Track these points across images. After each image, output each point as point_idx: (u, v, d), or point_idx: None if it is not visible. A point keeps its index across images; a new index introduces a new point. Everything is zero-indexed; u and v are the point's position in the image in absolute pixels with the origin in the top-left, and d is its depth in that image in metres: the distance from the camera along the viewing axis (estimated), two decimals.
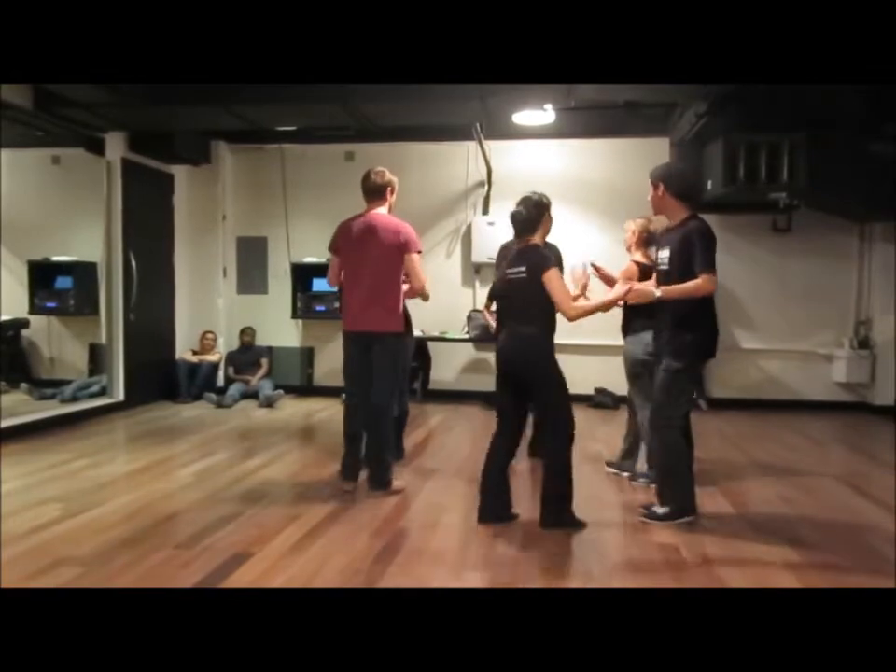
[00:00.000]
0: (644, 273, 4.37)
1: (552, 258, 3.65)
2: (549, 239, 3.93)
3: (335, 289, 4.89)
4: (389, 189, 4.29)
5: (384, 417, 4.25)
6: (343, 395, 4.47)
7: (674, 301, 3.62)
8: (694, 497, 3.76)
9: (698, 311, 3.63)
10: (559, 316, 3.67)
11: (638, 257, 4.57)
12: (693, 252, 3.59)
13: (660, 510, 3.74)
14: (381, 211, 4.27)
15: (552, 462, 3.67)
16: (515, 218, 3.73)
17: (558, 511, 3.65)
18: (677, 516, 3.69)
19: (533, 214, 3.69)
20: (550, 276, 3.55)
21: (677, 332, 3.64)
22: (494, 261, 7.73)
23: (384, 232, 4.17)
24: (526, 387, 3.66)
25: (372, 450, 4.26)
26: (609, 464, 4.85)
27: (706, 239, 3.60)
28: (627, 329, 4.54)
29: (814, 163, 5.69)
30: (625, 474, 4.66)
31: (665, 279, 3.75)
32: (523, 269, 3.63)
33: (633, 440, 4.69)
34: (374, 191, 4.26)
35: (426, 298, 4.35)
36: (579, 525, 3.66)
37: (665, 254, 3.77)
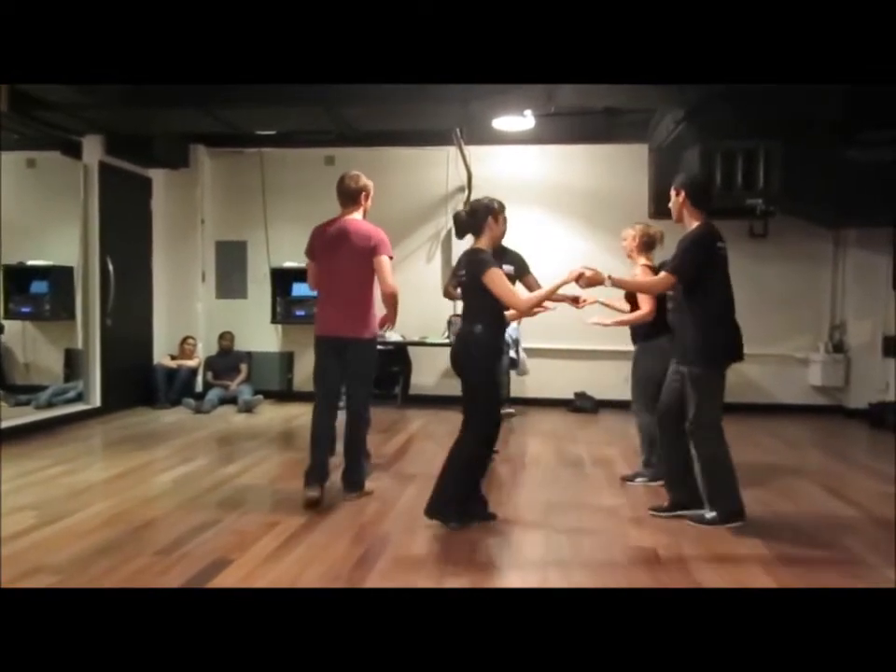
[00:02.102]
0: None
1: (489, 261, 3.60)
2: (518, 243, 3.92)
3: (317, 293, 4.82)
4: (364, 193, 4.19)
5: (361, 421, 4.24)
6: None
7: (697, 303, 3.67)
8: (741, 500, 3.75)
9: (724, 312, 3.70)
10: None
11: (643, 261, 4.53)
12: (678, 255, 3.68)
13: (708, 514, 3.74)
14: (355, 216, 4.19)
15: (458, 453, 3.67)
16: (454, 220, 3.83)
17: (445, 502, 3.65)
18: (725, 520, 3.71)
19: (472, 218, 3.72)
20: (490, 278, 3.55)
21: (705, 335, 3.66)
22: None
23: (356, 237, 4.10)
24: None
25: (350, 453, 4.23)
26: (626, 478, 4.71)
27: (691, 244, 3.67)
28: (644, 333, 4.48)
29: (789, 170, 5.77)
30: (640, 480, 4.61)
31: None
32: (464, 272, 3.70)
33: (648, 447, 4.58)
34: (349, 196, 4.19)
35: (393, 301, 4.20)
36: (456, 522, 3.64)
37: None
